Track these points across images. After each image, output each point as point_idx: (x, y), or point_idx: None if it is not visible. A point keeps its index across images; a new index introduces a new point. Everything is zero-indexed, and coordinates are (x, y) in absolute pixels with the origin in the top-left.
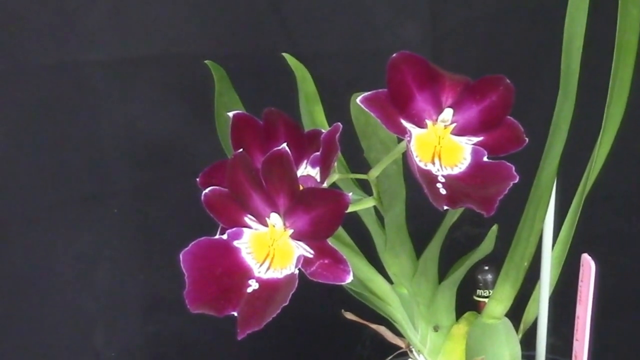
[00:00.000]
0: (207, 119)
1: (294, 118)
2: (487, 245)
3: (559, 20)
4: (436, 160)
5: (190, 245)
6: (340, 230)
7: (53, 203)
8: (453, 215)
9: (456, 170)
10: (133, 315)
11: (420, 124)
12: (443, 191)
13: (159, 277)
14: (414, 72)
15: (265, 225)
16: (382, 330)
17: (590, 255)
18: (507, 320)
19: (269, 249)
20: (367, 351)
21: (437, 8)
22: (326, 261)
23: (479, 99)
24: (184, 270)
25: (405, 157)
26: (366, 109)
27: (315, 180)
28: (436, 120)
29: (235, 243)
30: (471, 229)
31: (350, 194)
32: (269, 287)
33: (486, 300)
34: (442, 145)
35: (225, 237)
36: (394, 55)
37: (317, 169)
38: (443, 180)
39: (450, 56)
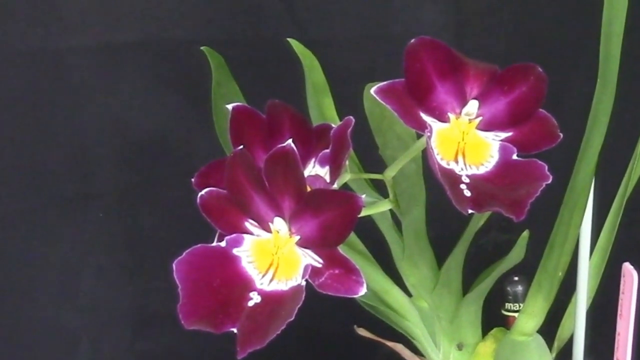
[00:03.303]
0: (204, 112)
1: (300, 111)
2: (517, 253)
3: (597, 1)
4: (460, 159)
5: (184, 253)
6: (353, 237)
7: (31, 206)
8: (479, 220)
9: (482, 170)
10: (121, 331)
11: (442, 118)
12: (467, 193)
13: (149, 289)
14: (434, 60)
15: (269, 231)
16: (400, 348)
17: (632, 265)
18: (539, 337)
19: (273, 257)
20: None
21: None
22: (337, 271)
23: (508, 90)
24: (178, 282)
25: (425, 154)
26: (381, 101)
27: (325, 180)
28: (460, 113)
29: (235, 251)
30: (499, 235)
31: (364, 196)
32: (273, 301)
33: (516, 314)
34: (466, 142)
35: (223, 244)
36: (412, 41)
37: (327, 168)
38: (467, 180)
39: (475, 42)
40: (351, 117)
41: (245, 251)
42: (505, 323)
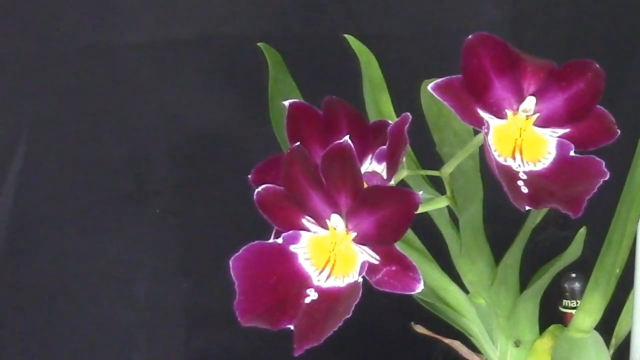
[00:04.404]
0: (260, 108)
1: (357, 108)
2: (575, 250)
3: None
4: (517, 155)
5: (241, 250)
6: (410, 234)
7: (86, 203)
8: (536, 216)
9: (539, 166)
10: (176, 329)
11: (499, 114)
12: (525, 189)
13: (205, 286)
14: (492, 56)
15: (326, 227)
16: (457, 345)
17: None
18: (596, 334)
19: (330, 254)
20: None
21: None
22: (394, 268)
23: (565, 86)
24: (234, 279)
25: (483, 151)
26: (438, 98)
27: (382, 177)
28: (517, 109)
29: (292, 248)
30: (556, 232)
31: (421, 192)
32: (330, 297)
33: (573, 311)
34: (523, 138)
35: (280, 241)
36: (470, 37)
37: (384, 164)
38: (525, 177)
39: (532, 38)
40: (408, 113)
41: (302, 248)
42: (563, 320)
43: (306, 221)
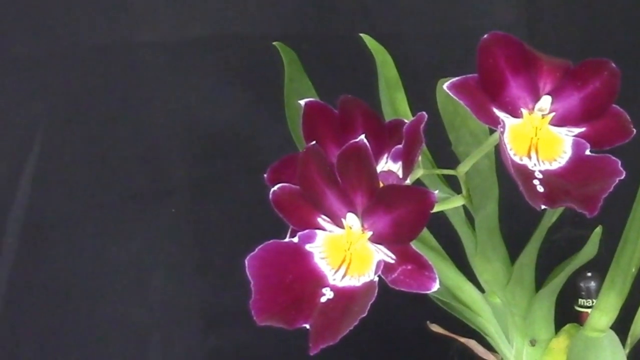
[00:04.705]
0: (276, 107)
1: (373, 107)
2: (590, 249)
3: None
4: (533, 154)
5: (256, 249)
6: (425, 233)
7: (101, 201)
8: (552, 215)
9: (555, 165)
10: (192, 328)
11: (515, 114)
12: (540, 188)
13: (221, 285)
14: (507, 55)
15: (341, 226)
16: (472, 344)
17: None
18: (612, 333)
19: (345, 253)
20: None
21: None
22: (409, 267)
23: (581, 86)
24: (250, 277)
25: (498, 150)
26: (454, 97)
27: (397, 176)
28: (533, 109)
29: (308, 247)
30: (572, 230)
31: (437, 191)
32: (345, 296)
33: (589, 310)
34: (539, 137)
35: (296, 240)
36: (485, 36)
37: (399, 163)
38: (540, 176)
39: (548, 37)
40: (424, 112)
41: (318, 247)
42: (579, 319)
43: (322, 220)
